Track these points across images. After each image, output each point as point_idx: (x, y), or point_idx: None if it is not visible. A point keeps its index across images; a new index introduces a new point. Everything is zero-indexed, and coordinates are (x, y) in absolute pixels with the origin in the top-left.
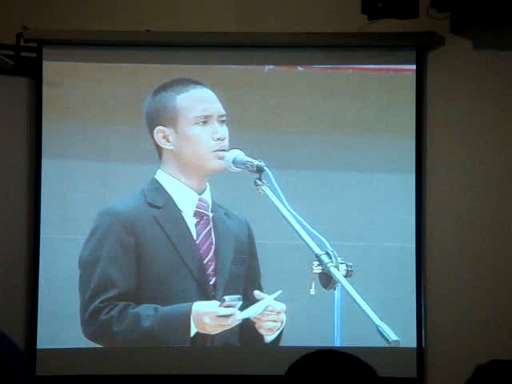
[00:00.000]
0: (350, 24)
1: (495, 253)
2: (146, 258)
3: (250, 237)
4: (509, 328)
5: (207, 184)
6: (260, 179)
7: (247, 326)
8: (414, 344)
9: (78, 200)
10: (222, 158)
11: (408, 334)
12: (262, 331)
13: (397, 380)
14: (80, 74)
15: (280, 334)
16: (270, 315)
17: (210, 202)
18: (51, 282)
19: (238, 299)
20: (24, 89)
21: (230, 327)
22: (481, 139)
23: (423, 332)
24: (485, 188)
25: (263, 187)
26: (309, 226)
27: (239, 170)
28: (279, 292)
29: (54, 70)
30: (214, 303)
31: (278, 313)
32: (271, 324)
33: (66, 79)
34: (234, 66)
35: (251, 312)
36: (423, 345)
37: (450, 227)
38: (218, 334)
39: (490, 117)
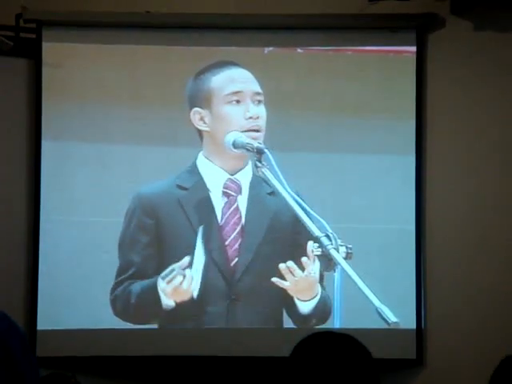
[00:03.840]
0: (350, 5)
1: (495, 234)
2: (166, 240)
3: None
4: (508, 310)
5: (249, 162)
6: (260, 161)
7: (243, 310)
8: (413, 325)
9: (78, 182)
10: (256, 139)
11: (407, 316)
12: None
13: (396, 361)
14: (80, 55)
15: (318, 303)
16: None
17: (245, 181)
18: (51, 263)
19: (171, 270)
20: (23, 70)
21: (190, 291)
22: (481, 121)
23: (422, 314)
24: (485, 169)
25: (263, 169)
26: (309, 208)
27: (239, 152)
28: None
29: (54, 52)
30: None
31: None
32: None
33: (65, 60)
34: (234, 48)
35: None
36: (422, 326)
37: (449, 209)
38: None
39: (490, 98)
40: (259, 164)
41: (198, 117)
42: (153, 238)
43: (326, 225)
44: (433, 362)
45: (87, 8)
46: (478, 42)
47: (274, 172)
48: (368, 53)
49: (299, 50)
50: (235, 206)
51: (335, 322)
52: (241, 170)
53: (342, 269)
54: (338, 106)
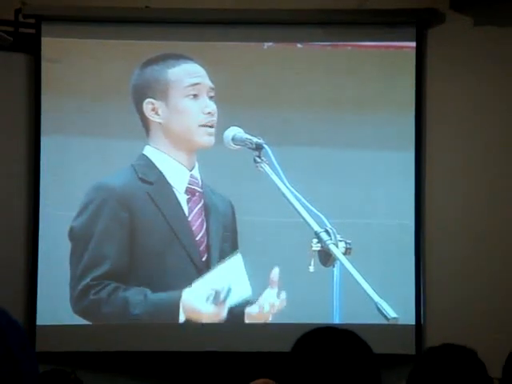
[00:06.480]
0: (350, 1)
1: (494, 229)
2: (139, 233)
3: (234, 215)
4: (508, 305)
5: (196, 162)
6: (259, 157)
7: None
8: (412, 321)
9: (77, 176)
10: (211, 135)
11: (407, 311)
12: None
13: (395, 356)
14: (79, 50)
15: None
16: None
17: (199, 178)
18: (51, 258)
19: (229, 291)
20: (23, 65)
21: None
22: (480, 115)
23: (422, 309)
24: (485, 164)
25: (262, 165)
26: (308, 204)
27: (238, 147)
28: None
29: (53, 47)
30: (202, 288)
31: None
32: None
33: (64, 55)
34: (233, 43)
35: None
36: (422, 322)
37: (449, 204)
38: None
39: (490, 93)
40: (258, 159)
41: (151, 107)
42: (126, 231)
43: (325, 220)
44: None
45: (86, 3)
46: (477, 37)
47: (273, 167)
48: (367, 48)
49: (299, 45)
50: (202, 202)
51: (334, 318)
52: (194, 167)
53: (341, 264)
54: (337, 101)
